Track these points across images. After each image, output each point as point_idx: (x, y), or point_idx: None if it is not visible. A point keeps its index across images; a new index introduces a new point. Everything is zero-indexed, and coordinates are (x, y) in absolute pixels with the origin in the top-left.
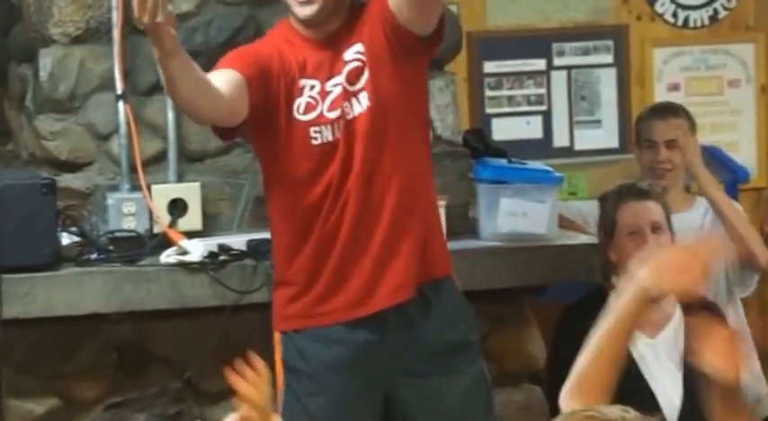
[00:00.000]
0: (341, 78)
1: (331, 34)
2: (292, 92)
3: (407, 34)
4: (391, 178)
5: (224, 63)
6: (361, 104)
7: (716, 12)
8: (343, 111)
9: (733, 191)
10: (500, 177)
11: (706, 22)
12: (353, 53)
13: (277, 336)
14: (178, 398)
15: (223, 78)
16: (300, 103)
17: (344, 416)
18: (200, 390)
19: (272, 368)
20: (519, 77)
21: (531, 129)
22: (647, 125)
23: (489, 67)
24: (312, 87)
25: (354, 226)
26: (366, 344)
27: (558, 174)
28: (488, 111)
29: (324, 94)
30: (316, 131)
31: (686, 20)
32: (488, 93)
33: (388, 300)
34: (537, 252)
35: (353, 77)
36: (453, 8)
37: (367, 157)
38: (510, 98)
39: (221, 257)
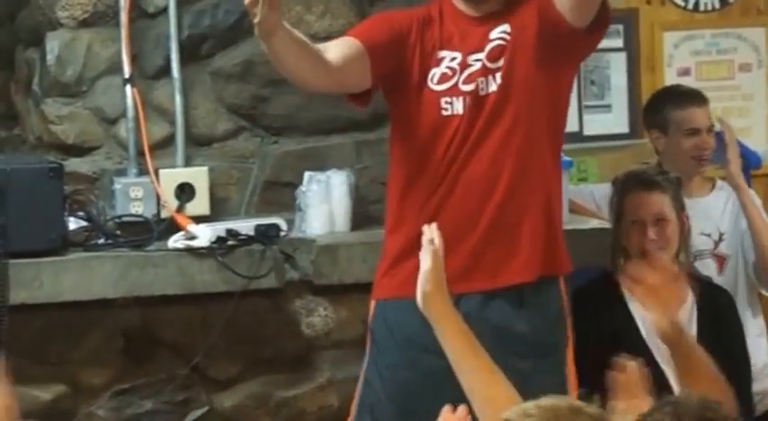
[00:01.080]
0: (482, 55)
1: (488, 13)
2: (429, 61)
3: (564, 24)
4: (506, 160)
5: (354, 31)
6: (495, 82)
7: None
8: (477, 87)
9: (745, 176)
10: None
11: (717, 5)
12: (499, 32)
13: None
14: (186, 385)
15: (339, 48)
16: (436, 72)
17: (430, 392)
18: (208, 377)
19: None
20: None
21: None
22: (689, 112)
23: None
24: (453, 59)
25: (466, 202)
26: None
27: (567, 159)
28: None
29: (464, 66)
30: (447, 102)
31: (696, 3)
32: None
33: (492, 281)
34: None
35: (495, 56)
36: None
37: (486, 134)
38: None
39: (229, 242)
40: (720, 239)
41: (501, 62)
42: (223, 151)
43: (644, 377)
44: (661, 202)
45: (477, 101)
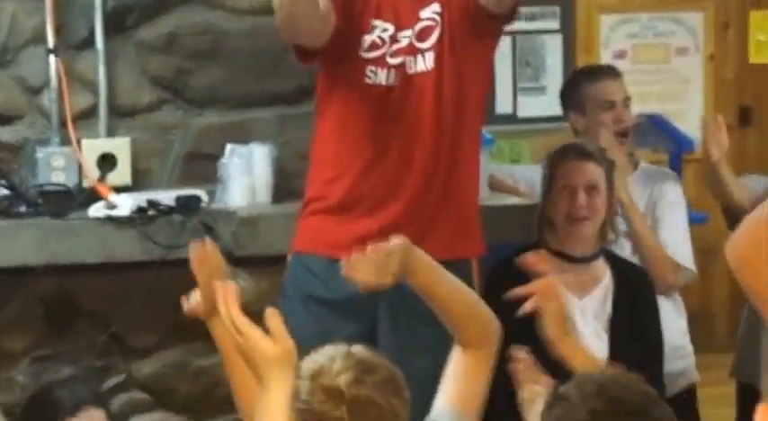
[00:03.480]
0: (411, 32)
1: None
2: (364, 27)
3: (484, 10)
4: (434, 140)
5: None
6: (425, 63)
7: None
8: (405, 64)
9: (677, 161)
10: None
11: None
12: (430, 12)
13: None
14: (104, 352)
15: None
16: (367, 39)
17: None
18: (127, 345)
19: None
20: None
21: None
22: (603, 85)
23: None
24: (385, 30)
25: (389, 177)
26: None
27: (487, 137)
28: None
29: (393, 39)
30: (371, 71)
31: None
32: None
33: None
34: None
35: (424, 35)
36: None
37: (424, 115)
38: None
39: (149, 212)
40: None
41: (429, 43)
42: (146, 123)
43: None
44: (594, 172)
45: (406, 79)
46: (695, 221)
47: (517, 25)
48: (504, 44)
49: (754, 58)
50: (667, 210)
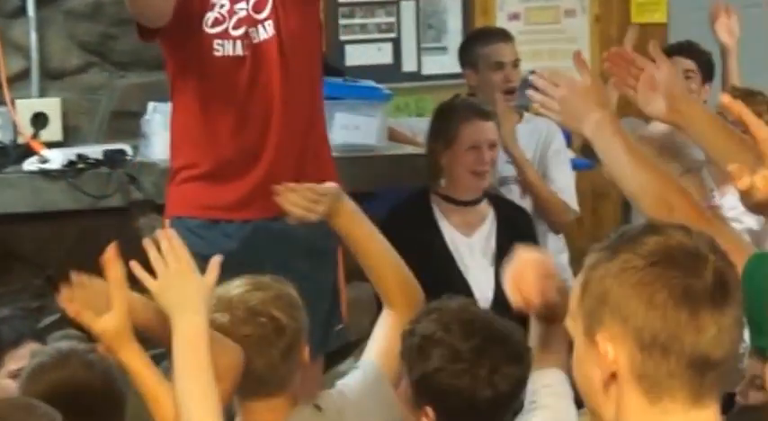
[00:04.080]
0: (247, 5)
1: None
2: (204, 6)
3: None
4: (294, 98)
5: None
6: (267, 31)
7: None
8: (248, 34)
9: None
10: (335, 94)
11: None
12: None
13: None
14: (40, 294)
15: None
16: (210, 16)
17: None
18: (60, 287)
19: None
20: (370, 7)
21: (381, 55)
22: (495, 47)
23: None
24: (222, 6)
25: (252, 138)
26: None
27: (386, 92)
28: (342, 38)
29: (231, 13)
30: (219, 44)
31: None
32: (342, 21)
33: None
34: (368, 161)
35: (260, 6)
36: None
37: (274, 78)
38: (362, 26)
39: (79, 166)
40: None
41: (267, 12)
42: (75, 84)
43: None
44: (493, 129)
45: (253, 48)
46: (582, 167)
47: None
48: (409, 8)
49: (635, 17)
50: (554, 158)
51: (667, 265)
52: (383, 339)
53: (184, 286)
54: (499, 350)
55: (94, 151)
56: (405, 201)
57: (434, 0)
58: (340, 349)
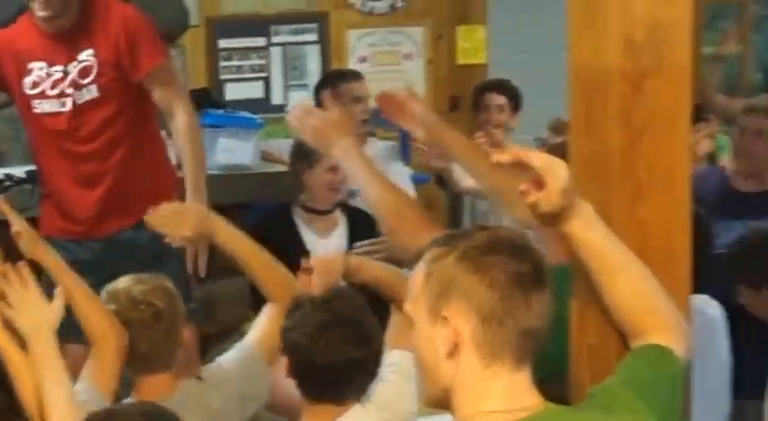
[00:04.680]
0: (71, 69)
1: (63, 31)
2: (22, 71)
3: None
4: (110, 148)
5: None
6: (90, 93)
7: (394, 3)
8: (64, 94)
9: (406, 141)
10: (217, 123)
11: (387, 10)
12: (86, 55)
13: None
14: None
15: None
16: (28, 81)
17: None
18: None
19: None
20: (245, 51)
21: (254, 90)
22: (349, 86)
23: (223, 43)
24: (41, 69)
25: (78, 182)
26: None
27: (259, 121)
28: (222, 77)
29: (49, 75)
30: (38, 103)
31: (372, 8)
32: (222, 63)
33: (110, 227)
34: (245, 178)
35: (85, 73)
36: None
37: (94, 131)
38: (239, 67)
39: (6, 183)
40: None
41: (91, 78)
42: (2, 115)
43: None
44: None
45: (77, 106)
46: (419, 181)
47: (285, 38)
48: (277, 52)
49: (460, 60)
50: (396, 175)
51: (499, 253)
52: (262, 324)
53: (35, 314)
54: (343, 330)
55: (19, 171)
56: (272, 211)
57: (297, 47)
58: (221, 333)
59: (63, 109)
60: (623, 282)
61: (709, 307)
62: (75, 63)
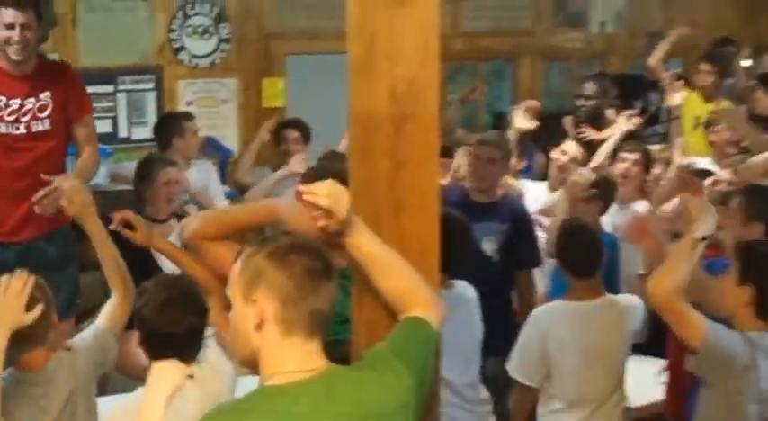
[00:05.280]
0: (27, 103)
1: (26, 74)
2: None
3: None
4: (41, 163)
5: None
6: (44, 125)
7: (213, 60)
8: (19, 120)
9: (224, 165)
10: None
11: (208, 65)
12: (45, 96)
13: None
14: None
15: None
16: None
17: None
18: None
19: None
20: (98, 96)
21: (105, 126)
22: (190, 123)
23: None
24: (0, 100)
25: (10, 196)
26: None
27: (109, 150)
28: None
29: (7, 106)
30: None
31: (197, 64)
32: None
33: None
34: (96, 194)
35: (42, 109)
36: (54, 55)
37: (40, 154)
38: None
39: None
40: None
41: (46, 113)
42: None
43: None
44: (175, 172)
45: (31, 133)
46: (230, 196)
47: (129, 86)
48: (122, 96)
49: (264, 103)
50: (214, 191)
51: (297, 253)
52: (109, 308)
53: (3, 312)
54: (183, 303)
55: None
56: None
57: (138, 93)
58: (82, 313)
59: (16, 132)
60: (390, 274)
61: (467, 290)
62: (32, 99)
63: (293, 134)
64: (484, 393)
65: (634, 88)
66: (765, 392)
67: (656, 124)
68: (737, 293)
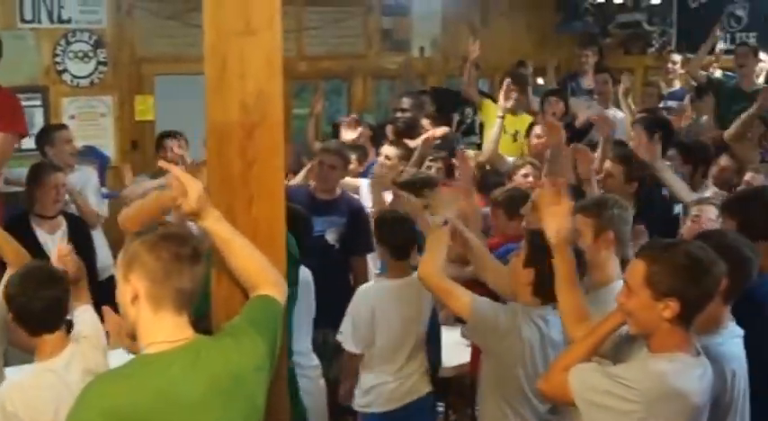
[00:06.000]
0: None
1: None
2: None
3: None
4: None
5: None
6: None
7: (92, 80)
8: None
9: (103, 169)
10: None
11: (88, 84)
12: None
13: None
14: None
15: None
16: None
17: None
18: None
19: None
20: None
21: None
22: (66, 132)
23: None
24: None
25: None
26: None
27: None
28: None
29: None
30: None
31: (78, 83)
32: None
33: None
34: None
35: None
36: None
37: None
38: None
39: None
40: None
41: None
42: None
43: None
44: (61, 176)
45: None
46: (108, 197)
47: (29, 102)
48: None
49: (137, 117)
50: (93, 189)
51: (167, 241)
52: None
53: None
54: (38, 276)
55: None
56: (15, 216)
57: (28, 108)
58: None
59: None
60: (242, 257)
61: (305, 273)
62: None
63: (173, 143)
64: (315, 360)
65: (451, 102)
66: (530, 358)
67: (473, 135)
68: (522, 274)
